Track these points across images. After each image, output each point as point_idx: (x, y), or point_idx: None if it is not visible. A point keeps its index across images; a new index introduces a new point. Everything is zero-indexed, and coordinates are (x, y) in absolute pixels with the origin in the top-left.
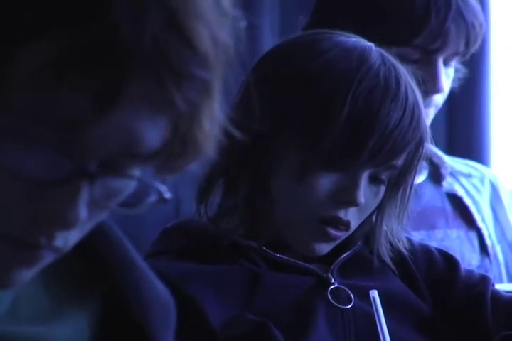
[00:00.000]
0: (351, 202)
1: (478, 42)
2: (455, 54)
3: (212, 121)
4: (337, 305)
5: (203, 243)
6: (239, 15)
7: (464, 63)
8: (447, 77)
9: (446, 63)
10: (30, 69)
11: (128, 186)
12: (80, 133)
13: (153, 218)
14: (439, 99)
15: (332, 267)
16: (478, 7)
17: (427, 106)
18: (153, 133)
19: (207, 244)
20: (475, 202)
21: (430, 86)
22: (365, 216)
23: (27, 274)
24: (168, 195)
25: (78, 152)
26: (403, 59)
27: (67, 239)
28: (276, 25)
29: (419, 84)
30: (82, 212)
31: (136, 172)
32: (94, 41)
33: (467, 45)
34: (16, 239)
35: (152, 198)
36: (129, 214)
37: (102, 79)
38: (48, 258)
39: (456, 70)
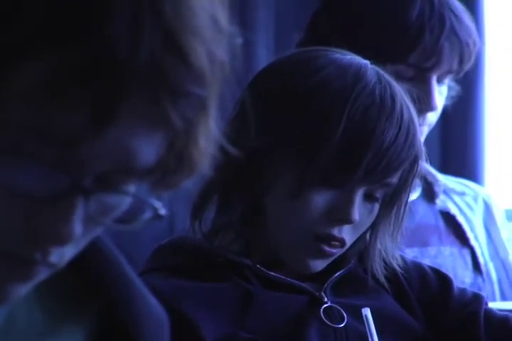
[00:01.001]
0: (345, 219)
1: (472, 60)
2: (449, 72)
3: (208, 137)
4: (330, 323)
5: (197, 260)
6: (235, 32)
7: (458, 81)
8: (440, 94)
9: (439, 81)
10: (26, 86)
11: (123, 202)
12: (75, 150)
13: (147, 234)
14: (432, 117)
15: (325, 286)
16: (472, 25)
17: (420, 124)
18: (148, 150)
19: (201, 261)
20: (468, 220)
21: (424, 104)
22: (359, 233)
23: (21, 290)
24: (163, 212)
25: (74, 168)
26: (397, 76)
27: (62, 254)
28: (271, 41)
29: (413, 101)
30: (77, 228)
31: (132, 188)
32: (91, 58)
33: (461, 63)
34: (10, 255)
35: (147, 214)
36: (124, 230)
37: (99, 97)
38: (42, 274)
39: (450, 88)
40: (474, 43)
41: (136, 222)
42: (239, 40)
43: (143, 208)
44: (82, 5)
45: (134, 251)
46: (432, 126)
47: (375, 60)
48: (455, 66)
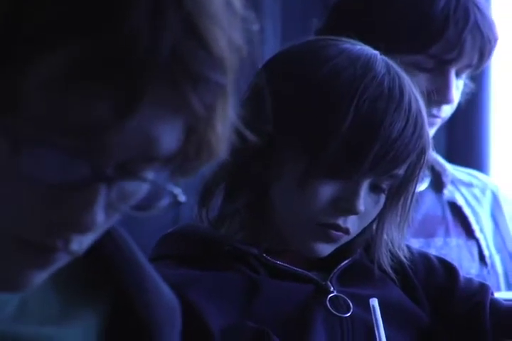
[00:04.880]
0: (351, 209)
1: (491, 56)
2: (468, 66)
3: (225, 124)
4: (336, 313)
5: (203, 248)
6: (249, 16)
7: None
8: (457, 88)
9: (457, 75)
10: (49, 76)
11: (142, 189)
12: (99, 139)
13: (153, 223)
14: (447, 110)
15: (331, 275)
16: (494, 20)
17: (436, 115)
18: (170, 137)
19: (207, 250)
20: (474, 212)
21: (440, 96)
22: (364, 224)
23: (40, 276)
24: (182, 198)
25: (96, 156)
26: (416, 67)
27: (82, 242)
28: (278, 28)
29: (428, 94)
30: (99, 216)
31: (150, 175)
32: (112, 47)
33: (481, 57)
34: (32, 242)
35: (165, 201)
36: (140, 217)
37: (122, 85)
38: (61, 261)
39: (464, 85)
40: (495, 39)
41: (154, 208)
42: (256, 26)
43: (161, 195)
44: None
45: (139, 239)
46: (445, 120)
47: (395, 49)
48: (475, 60)
